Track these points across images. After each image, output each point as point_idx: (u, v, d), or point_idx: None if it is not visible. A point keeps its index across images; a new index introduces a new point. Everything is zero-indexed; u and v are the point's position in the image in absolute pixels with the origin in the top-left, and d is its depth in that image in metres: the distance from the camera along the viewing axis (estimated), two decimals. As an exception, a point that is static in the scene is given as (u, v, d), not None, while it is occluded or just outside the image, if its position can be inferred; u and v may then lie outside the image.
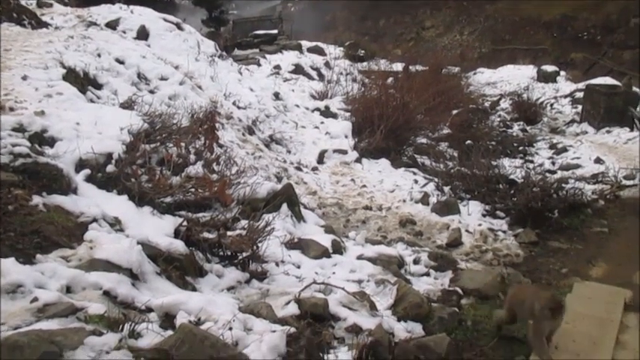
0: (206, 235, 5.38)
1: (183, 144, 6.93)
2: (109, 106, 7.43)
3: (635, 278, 7.02)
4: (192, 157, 7.23)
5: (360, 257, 6.33)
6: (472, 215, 8.53)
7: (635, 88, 16.29)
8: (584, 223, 8.63)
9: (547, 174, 10.56)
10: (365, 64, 18.12)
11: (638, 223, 8.42)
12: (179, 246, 4.96)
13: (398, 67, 16.48)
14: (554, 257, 7.54)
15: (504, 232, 8.12)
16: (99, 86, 8.11)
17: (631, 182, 10.53)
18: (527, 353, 4.69)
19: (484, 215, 8.62)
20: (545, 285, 4.84)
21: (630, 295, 6.31)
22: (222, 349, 2.62)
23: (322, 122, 12.26)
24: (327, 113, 12.84)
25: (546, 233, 8.14)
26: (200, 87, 10.52)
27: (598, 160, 12.14)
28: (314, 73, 16.58)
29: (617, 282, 6.78)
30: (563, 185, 9.12)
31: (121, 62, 9.29)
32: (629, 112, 15.34)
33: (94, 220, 4.80)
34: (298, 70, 16.14)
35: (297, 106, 12.86)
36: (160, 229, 5.12)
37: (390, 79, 14.11)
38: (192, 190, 5.86)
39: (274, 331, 3.90)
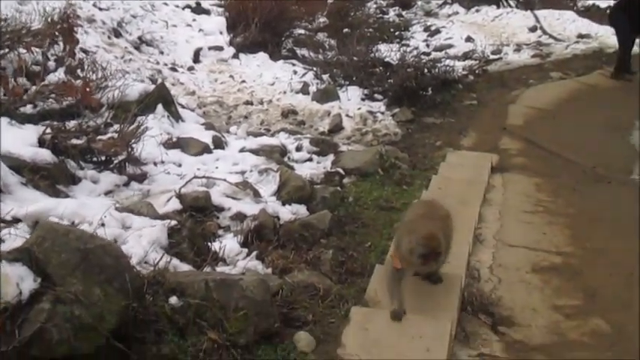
0: (74, 141, 5.09)
1: (38, 49, 6.38)
2: (-57, 14, 6.58)
3: (501, 144, 7.59)
4: (52, 64, 6.71)
5: (242, 150, 6.31)
6: (351, 100, 8.67)
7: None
8: (456, 97, 9.10)
9: (422, 56, 10.84)
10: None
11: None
12: (45, 155, 4.66)
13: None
14: (429, 132, 7.94)
15: (382, 113, 8.36)
16: None
17: (497, 56, 11.13)
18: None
19: (363, 99, 8.80)
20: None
21: (497, 158, 6.85)
22: (89, 240, 2.55)
23: (194, 19, 11.65)
24: (198, 10, 12.21)
25: (421, 110, 8.50)
26: (53, -12, 9.55)
27: (469, 39, 12.62)
28: (182, -31, 15.54)
29: (485, 148, 7.30)
30: (437, 64, 9.42)
31: (-48, -35, 8.16)
32: (495, -11, 15.93)
33: (-60, 137, 4.38)
34: (164, -35, 15.02)
35: (166, 4, 12.06)
36: (21, 140, 4.76)
37: (262, -29, 13.54)
38: (53, 96, 5.45)
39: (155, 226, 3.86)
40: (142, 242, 3.58)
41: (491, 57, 11.03)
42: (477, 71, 10.18)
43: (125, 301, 2.54)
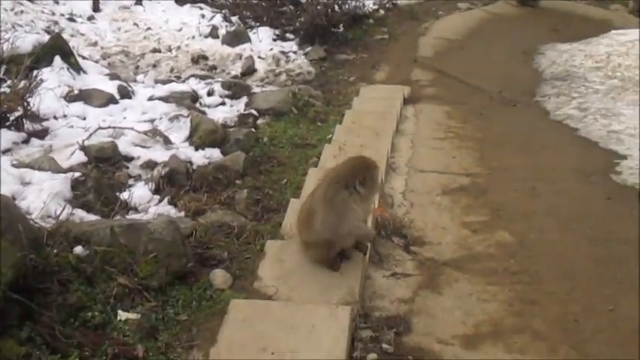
0: (-39, 100, 4.75)
1: None
2: None
3: (413, 75, 7.71)
4: None
5: (151, 98, 6.10)
6: (263, 41, 8.51)
7: None
8: (367, 32, 9.11)
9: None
10: None
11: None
12: None
13: None
14: (342, 68, 7.94)
15: (295, 52, 8.27)
16: None
17: (407, -11, 11.16)
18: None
19: (274, 39, 8.65)
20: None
21: (408, 90, 6.97)
22: (-27, 195, 2.41)
23: (91, -34, 10.93)
24: (95, -45, 11.44)
25: (334, 47, 8.48)
26: None
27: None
28: None
29: (397, 81, 7.40)
30: (347, 1, 9.33)
31: None
32: None
33: None
34: None
35: (58, -50, 11.26)
36: None
37: None
38: None
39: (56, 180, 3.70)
40: (43, 196, 3.43)
41: (402, -10, 11.06)
42: (387, 5, 10.20)
43: (20, 252, 2.44)
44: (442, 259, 3.66)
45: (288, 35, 8.75)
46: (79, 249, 2.87)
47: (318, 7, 8.67)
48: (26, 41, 6.05)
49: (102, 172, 4.13)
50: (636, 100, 6.59)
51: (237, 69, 7.80)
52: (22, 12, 8.13)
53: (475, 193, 4.55)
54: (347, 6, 9.04)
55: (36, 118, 5.10)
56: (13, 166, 3.82)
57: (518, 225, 4.04)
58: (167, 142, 5.02)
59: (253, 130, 5.64)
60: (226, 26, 8.90)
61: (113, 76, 6.61)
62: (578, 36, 9.13)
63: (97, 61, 7.55)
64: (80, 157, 4.41)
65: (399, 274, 3.48)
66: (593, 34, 8.96)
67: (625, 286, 3.38)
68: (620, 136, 5.66)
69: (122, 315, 2.71)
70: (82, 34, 8.45)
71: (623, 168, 4.97)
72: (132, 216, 3.70)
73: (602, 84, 7.23)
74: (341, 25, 8.75)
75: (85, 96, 5.77)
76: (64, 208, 3.17)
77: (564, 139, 5.82)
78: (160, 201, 4.02)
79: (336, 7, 8.87)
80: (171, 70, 7.80)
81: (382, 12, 9.90)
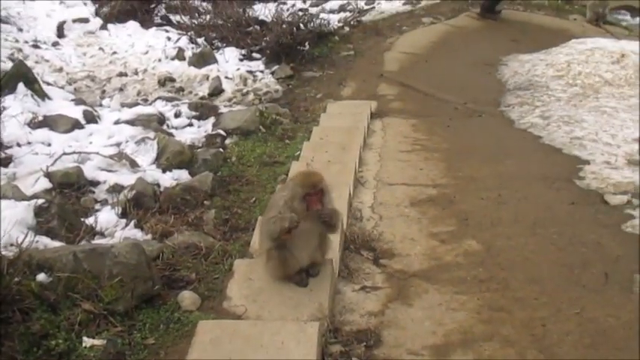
0: None
1: None
2: None
3: (379, 90, 7.80)
4: None
5: (117, 122, 6.06)
6: (230, 62, 8.53)
7: None
8: (333, 49, 9.20)
9: (299, 12, 10.81)
10: None
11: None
12: None
13: None
14: (309, 86, 8.00)
15: (262, 71, 8.31)
16: None
17: (370, 6, 11.31)
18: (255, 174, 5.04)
19: (241, 59, 8.69)
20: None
21: (375, 104, 7.03)
22: None
23: (54, -8, 10.88)
24: (57, -19, 11.40)
25: (300, 65, 8.55)
26: None
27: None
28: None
29: (364, 96, 7.48)
30: (313, 19, 9.43)
31: None
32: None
33: None
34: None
35: (19, -23, 11.18)
36: None
37: None
38: None
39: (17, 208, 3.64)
40: (5, 225, 3.37)
41: (365, 7, 11.21)
42: (352, 22, 10.31)
43: (-21, 283, 2.39)
44: (411, 270, 3.68)
45: (255, 55, 8.79)
46: (41, 276, 2.82)
47: (284, 26, 8.75)
48: (-12, 70, 5.99)
49: (66, 198, 4.09)
50: (597, 106, 6.76)
51: (204, 90, 7.81)
52: (-17, 40, 8.04)
53: (443, 204, 4.59)
54: (312, 24, 9.13)
55: (-2, 146, 5.04)
56: (-26, 196, 3.75)
57: (485, 233, 4.09)
58: (134, 165, 4.98)
59: (221, 150, 5.65)
60: (192, 48, 8.90)
61: (78, 102, 6.57)
62: (539, 46, 9.35)
63: (62, 87, 7.50)
64: (45, 183, 4.36)
65: (368, 288, 3.49)
66: (553, 44, 9.17)
67: (590, 289, 3.44)
68: (582, 142, 5.78)
69: (87, 341, 2.66)
70: (47, 61, 8.39)
71: (585, 173, 5.07)
72: (98, 241, 3.66)
73: (564, 92, 7.40)
74: (307, 43, 8.83)
75: (50, 122, 5.71)
76: (26, 236, 3.12)
77: (529, 146, 5.92)
78: (127, 225, 3.98)
79: (302, 26, 8.95)
80: (138, 93, 7.78)
81: (347, 29, 10.01)
